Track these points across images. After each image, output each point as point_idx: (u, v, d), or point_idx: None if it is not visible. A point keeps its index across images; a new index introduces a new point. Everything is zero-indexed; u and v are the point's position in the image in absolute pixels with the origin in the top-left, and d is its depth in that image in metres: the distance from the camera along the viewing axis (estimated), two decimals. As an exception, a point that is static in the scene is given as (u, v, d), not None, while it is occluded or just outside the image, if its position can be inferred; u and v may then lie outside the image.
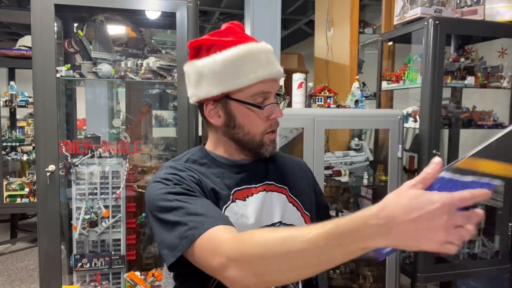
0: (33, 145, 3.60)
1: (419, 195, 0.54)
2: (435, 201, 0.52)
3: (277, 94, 0.97)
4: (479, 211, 0.53)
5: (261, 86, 0.91)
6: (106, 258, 1.89)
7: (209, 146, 1.02)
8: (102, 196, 1.90)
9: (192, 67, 0.95)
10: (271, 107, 0.93)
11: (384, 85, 2.47)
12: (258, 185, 0.97)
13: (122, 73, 1.92)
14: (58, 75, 1.80)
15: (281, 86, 1.98)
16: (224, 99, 0.93)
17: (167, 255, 0.79)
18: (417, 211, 0.53)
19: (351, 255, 0.58)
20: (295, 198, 1.01)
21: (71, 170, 1.86)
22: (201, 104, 0.97)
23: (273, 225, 0.94)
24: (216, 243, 0.73)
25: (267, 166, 1.02)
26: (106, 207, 1.90)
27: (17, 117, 4.13)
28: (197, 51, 0.95)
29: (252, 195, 0.95)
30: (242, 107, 0.92)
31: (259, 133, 0.94)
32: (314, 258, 0.61)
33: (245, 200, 0.93)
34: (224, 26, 0.96)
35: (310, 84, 2.12)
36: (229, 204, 0.91)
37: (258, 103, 0.92)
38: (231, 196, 0.92)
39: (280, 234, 0.66)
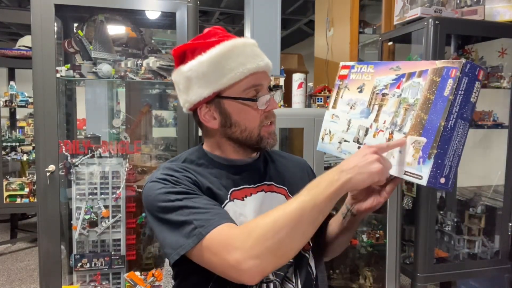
0: (33, 145, 3.61)
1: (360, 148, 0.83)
2: (366, 148, 0.80)
3: (270, 89, 0.96)
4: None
5: (251, 79, 0.90)
6: (106, 258, 1.89)
7: (206, 147, 1.01)
8: (102, 196, 1.90)
9: (179, 74, 0.94)
10: (265, 98, 0.92)
11: (384, 85, 2.45)
12: (257, 185, 0.96)
13: (122, 73, 1.92)
14: (58, 75, 1.80)
15: (281, 86, 1.98)
16: (216, 99, 0.92)
17: (171, 253, 0.79)
18: (357, 154, 0.79)
19: (333, 197, 0.75)
20: None
21: (71, 170, 1.86)
22: (194, 111, 0.96)
23: None
24: (227, 240, 0.74)
25: (266, 166, 1.01)
26: (106, 207, 1.90)
27: (17, 117, 4.13)
28: (182, 57, 0.94)
29: (251, 195, 0.94)
30: (236, 104, 0.91)
31: (256, 127, 0.93)
32: (311, 213, 0.74)
33: (243, 200, 0.92)
34: (206, 30, 0.96)
35: (310, 84, 2.12)
36: (226, 203, 0.90)
37: (251, 97, 0.91)
38: (228, 196, 0.91)
39: (279, 208, 0.76)
